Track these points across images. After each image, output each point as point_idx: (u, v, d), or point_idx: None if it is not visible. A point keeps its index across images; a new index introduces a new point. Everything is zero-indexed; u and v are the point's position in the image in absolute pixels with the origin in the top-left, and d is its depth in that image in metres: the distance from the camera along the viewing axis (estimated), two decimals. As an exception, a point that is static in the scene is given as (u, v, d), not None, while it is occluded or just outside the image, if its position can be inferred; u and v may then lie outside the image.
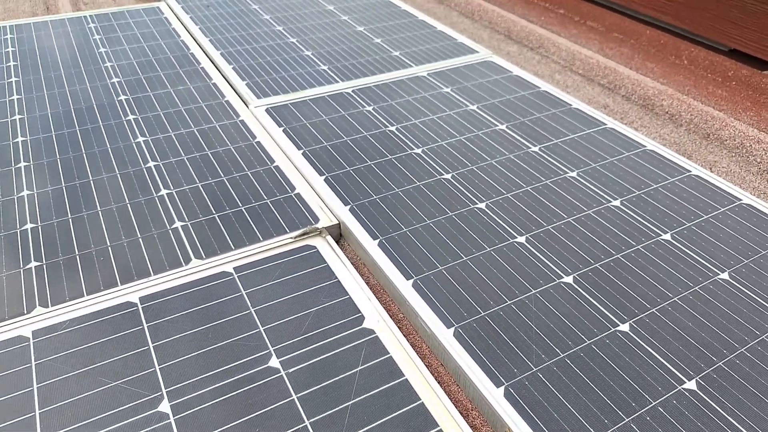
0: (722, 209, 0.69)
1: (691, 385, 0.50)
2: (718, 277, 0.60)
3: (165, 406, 0.49)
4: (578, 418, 0.47)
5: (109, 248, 0.65)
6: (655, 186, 0.73)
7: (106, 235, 0.67)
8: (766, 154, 0.83)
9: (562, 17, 1.37)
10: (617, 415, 0.47)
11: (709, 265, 0.61)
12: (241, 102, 0.94)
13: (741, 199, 0.71)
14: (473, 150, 0.81)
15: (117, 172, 0.77)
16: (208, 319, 0.57)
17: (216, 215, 0.70)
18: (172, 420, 0.48)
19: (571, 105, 0.92)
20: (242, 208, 0.71)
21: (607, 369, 0.51)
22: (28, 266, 0.62)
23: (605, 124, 0.86)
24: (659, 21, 1.30)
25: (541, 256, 0.63)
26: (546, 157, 0.79)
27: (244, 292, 0.60)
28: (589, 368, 0.51)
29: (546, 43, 1.20)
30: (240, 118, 0.89)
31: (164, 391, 0.50)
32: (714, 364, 0.51)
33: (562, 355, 0.52)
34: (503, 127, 0.86)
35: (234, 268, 0.63)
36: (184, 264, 0.63)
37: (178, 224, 0.69)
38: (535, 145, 0.82)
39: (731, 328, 0.55)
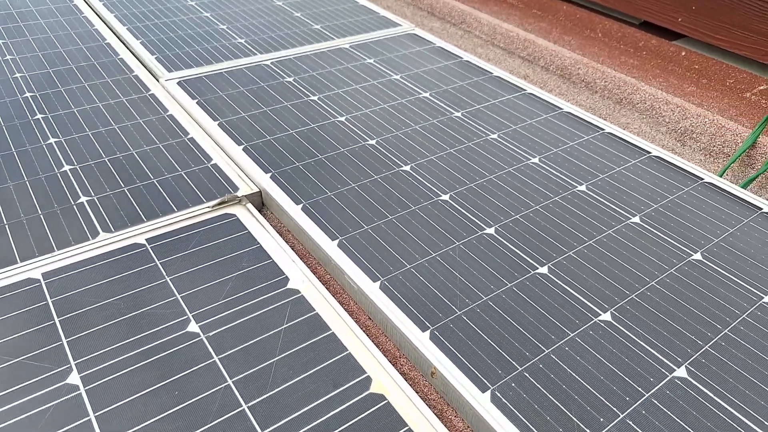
0: (633, 161, 0.75)
1: (606, 316, 0.54)
2: (630, 220, 0.65)
3: (74, 378, 0.48)
4: (500, 353, 0.50)
5: (6, 226, 0.62)
6: (571, 143, 0.78)
7: (2, 214, 0.64)
8: (674, 114, 0.90)
9: (484, -5, 1.43)
10: (537, 347, 0.51)
11: (621, 211, 0.67)
12: (150, 76, 0.92)
13: (651, 152, 0.77)
14: (397, 117, 0.83)
15: (13, 150, 0.74)
16: (120, 291, 0.55)
17: (125, 188, 0.68)
18: (82, 391, 0.47)
19: (492, 73, 0.96)
20: (154, 181, 0.70)
21: (528, 308, 0.54)
22: None
23: (525, 90, 0.91)
24: (575, -3, 1.38)
25: (465, 211, 0.66)
26: (468, 121, 0.83)
27: (158, 262, 0.59)
28: (510, 308, 0.54)
29: (468, 19, 1.24)
30: (150, 92, 0.87)
31: (73, 363, 0.49)
32: (627, 297, 0.56)
33: (485, 298, 0.55)
34: (427, 94, 0.89)
35: (146, 239, 0.62)
36: (91, 238, 0.61)
37: (83, 199, 0.66)
38: (457, 111, 0.85)
39: (642, 264, 0.60)
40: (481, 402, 0.46)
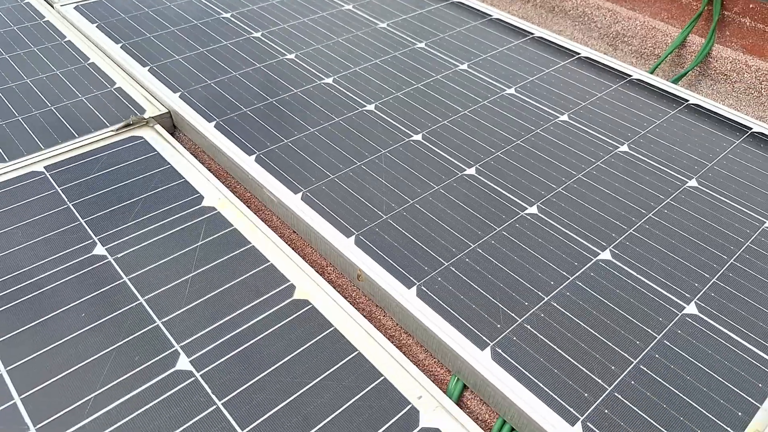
0: (562, 63, 0.76)
1: (533, 209, 0.55)
2: (558, 119, 0.66)
3: (-32, 309, 0.46)
4: (427, 251, 0.51)
5: None
6: (500, 49, 0.78)
7: None
8: (605, 18, 0.91)
9: None
10: (464, 243, 0.51)
11: (549, 110, 0.67)
12: (44, 3, 0.85)
13: (580, 53, 0.78)
14: (319, 30, 0.81)
15: None
16: (16, 220, 0.53)
17: (20, 117, 0.64)
18: (-22, 321, 0.45)
19: (419, -16, 0.94)
20: (52, 108, 0.66)
21: (455, 207, 0.55)
22: None
23: (451, 0, 0.90)
24: None
25: (391, 120, 0.65)
26: (394, 31, 0.81)
27: (58, 189, 0.56)
28: (437, 209, 0.55)
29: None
30: (44, 19, 0.82)
31: (-34, 294, 0.47)
32: (554, 190, 0.57)
33: (412, 202, 0.55)
34: (349, 7, 0.87)
35: (45, 167, 0.58)
36: (-19, 169, 0.58)
37: (-30, 131, 0.62)
38: (382, 22, 0.83)
39: (570, 159, 0.61)
40: (407, 297, 0.47)
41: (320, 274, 0.53)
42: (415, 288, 0.48)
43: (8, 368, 0.42)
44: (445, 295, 0.47)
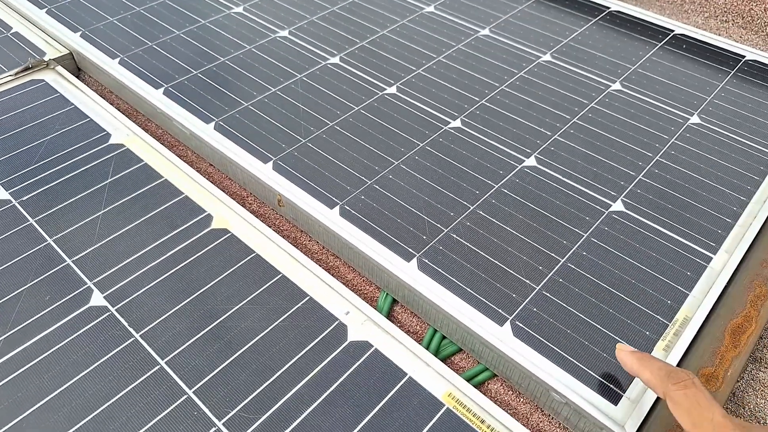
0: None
1: (456, 123, 0.55)
2: (479, 33, 0.66)
3: None
4: (349, 171, 0.50)
5: None
6: (421, -32, 0.76)
7: None
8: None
9: None
10: (386, 161, 0.51)
11: (470, 26, 0.67)
12: None
13: (502, -32, 0.77)
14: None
15: None
16: None
17: None
18: None
19: None
20: (-65, 56, 0.61)
21: (377, 127, 0.54)
22: None
23: None
24: None
25: (306, 45, 0.63)
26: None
27: (-51, 138, 0.53)
28: (358, 130, 0.54)
29: None
30: None
31: None
32: (476, 103, 0.57)
33: (331, 124, 0.54)
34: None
35: (-68, 116, 0.55)
36: None
37: None
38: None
39: (492, 72, 0.61)
40: (330, 218, 0.46)
41: (241, 205, 0.52)
42: (338, 208, 0.47)
43: None
44: (369, 213, 0.47)
